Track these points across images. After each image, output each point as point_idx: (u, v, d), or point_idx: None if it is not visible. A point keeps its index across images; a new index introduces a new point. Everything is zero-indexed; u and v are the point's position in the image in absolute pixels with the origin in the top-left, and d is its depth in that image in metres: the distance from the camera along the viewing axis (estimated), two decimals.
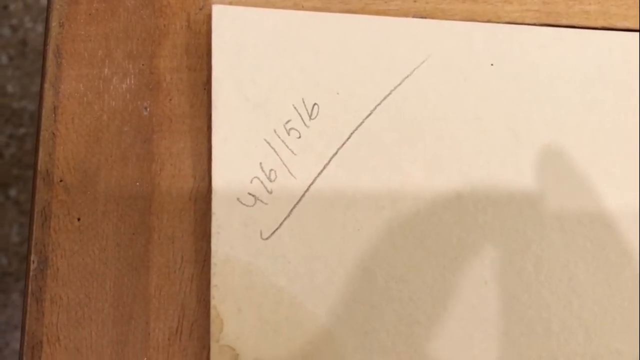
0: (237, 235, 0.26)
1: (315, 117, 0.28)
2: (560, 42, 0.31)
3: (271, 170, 0.27)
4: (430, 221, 0.28)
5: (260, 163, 0.27)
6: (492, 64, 0.29)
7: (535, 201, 0.29)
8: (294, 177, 0.27)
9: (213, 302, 0.25)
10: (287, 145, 0.27)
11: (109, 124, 0.27)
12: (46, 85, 0.27)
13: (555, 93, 0.30)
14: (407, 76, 0.29)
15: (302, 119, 0.27)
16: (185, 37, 0.28)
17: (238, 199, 0.26)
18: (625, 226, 0.29)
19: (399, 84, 0.29)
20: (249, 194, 0.26)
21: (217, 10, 0.27)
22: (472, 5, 0.31)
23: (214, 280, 0.25)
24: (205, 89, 0.28)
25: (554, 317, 0.28)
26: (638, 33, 0.32)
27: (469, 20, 0.30)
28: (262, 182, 0.27)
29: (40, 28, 1.28)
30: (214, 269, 0.25)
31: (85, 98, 0.27)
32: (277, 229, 0.26)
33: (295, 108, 0.27)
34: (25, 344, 0.24)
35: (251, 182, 0.26)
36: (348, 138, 0.28)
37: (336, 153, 0.27)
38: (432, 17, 0.30)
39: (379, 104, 0.28)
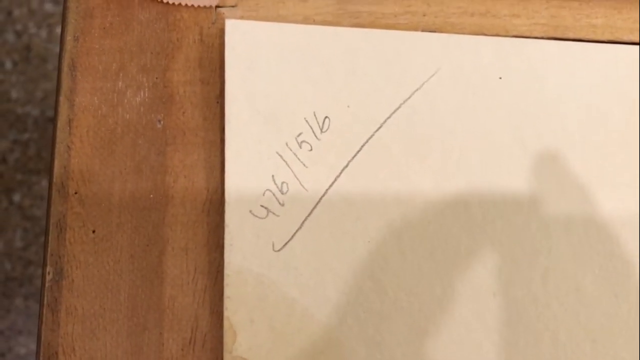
0: (250, 247, 0.26)
1: (327, 130, 0.28)
2: (568, 55, 0.31)
3: (283, 182, 0.27)
4: (439, 232, 0.28)
5: (273, 175, 0.27)
6: (500, 77, 0.30)
7: (543, 212, 0.29)
8: (306, 189, 0.27)
9: (226, 313, 0.25)
10: (298, 158, 0.27)
11: (123, 137, 0.27)
12: (61, 98, 0.27)
13: (562, 105, 0.30)
14: (417, 89, 0.29)
15: (313, 131, 0.28)
16: (198, 50, 0.29)
17: (250, 211, 0.26)
18: (630, 236, 0.29)
19: (409, 97, 0.29)
20: (261, 206, 0.27)
21: (230, 25, 0.28)
22: (481, 19, 0.31)
23: (227, 292, 0.25)
24: (218, 102, 0.28)
25: (561, 328, 0.28)
26: None
27: (478, 34, 0.31)
28: (274, 194, 0.27)
29: (44, 33, 1.29)
30: (227, 281, 0.26)
31: (99, 111, 0.27)
32: (289, 241, 0.27)
33: (306, 121, 0.28)
34: (42, 354, 0.25)
35: (263, 194, 0.27)
36: (359, 150, 0.28)
37: (347, 165, 0.28)
38: (441, 31, 0.30)
39: (389, 117, 0.29)
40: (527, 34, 0.32)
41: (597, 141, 0.30)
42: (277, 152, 0.27)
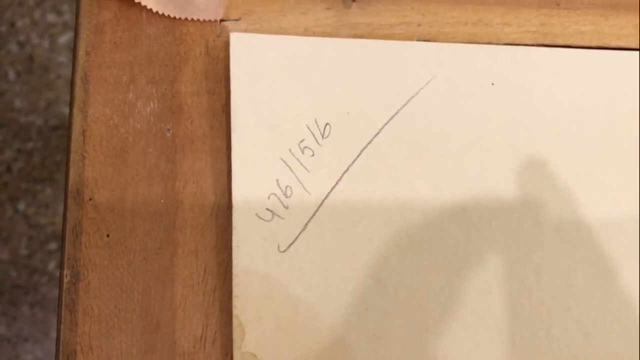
0: (256, 248, 0.27)
1: (327, 136, 0.29)
2: (558, 61, 0.32)
3: (287, 186, 0.28)
4: (437, 233, 0.29)
5: (277, 180, 0.28)
6: (493, 83, 0.31)
7: (536, 212, 0.30)
8: (309, 193, 0.29)
9: (235, 311, 0.27)
10: (301, 163, 0.29)
11: (135, 145, 0.29)
12: (75, 110, 0.29)
13: (553, 109, 0.32)
14: (413, 96, 0.30)
15: (315, 138, 0.29)
16: (204, 62, 0.30)
17: (257, 214, 0.28)
18: (620, 235, 0.31)
19: (406, 104, 0.30)
20: (267, 209, 0.28)
21: (234, 38, 0.29)
22: (474, 28, 0.33)
23: (236, 291, 0.27)
24: (224, 111, 0.30)
25: (554, 322, 0.29)
26: (632, 52, 0.34)
27: (471, 42, 0.32)
28: (278, 198, 0.28)
29: (46, 44, 1.31)
30: (235, 281, 0.27)
31: (111, 121, 0.29)
32: (293, 242, 0.28)
33: (308, 128, 0.29)
34: (61, 353, 0.26)
35: (269, 198, 0.28)
36: (358, 155, 0.30)
37: (347, 170, 0.29)
38: (436, 40, 0.32)
39: (386, 123, 0.30)
40: (518, 41, 0.33)
41: (587, 144, 0.32)
42: (281, 158, 0.29)
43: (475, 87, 0.31)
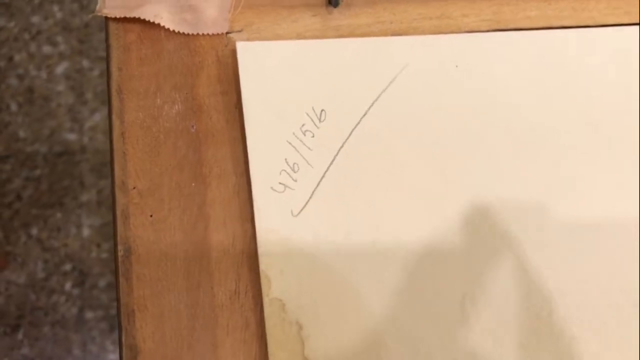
0: (274, 215, 0.34)
1: (324, 120, 0.36)
2: (511, 43, 0.39)
3: (294, 163, 0.35)
4: (420, 190, 0.35)
5: (285, 159, 0.35)
6: (457, 66, 0.38)
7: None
8: (312, 167, 0.35)
9: (261, 267, 0.33)
10: (304, 144, 0.35)
11: (166, 142, 0.35)
12: (113, 117, 0.35)
13: (510, 85, 0.38)
14: (392, 81, 0.37)
15: (313, 122, 0.35)
16: (217, 69, 0.36)
17: (271, 187, 0.34)
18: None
19: (386, 88, 0.37)
20: (280, 183, 0.34)
21: (240, 46, 0.36)
22: (438, 21, 0.39)
23: (260, 251, 0.33)
24: (236, 107, 0.36)
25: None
26: (572, 29, 0.40)
27: (436, 33, 0.39)
28: (288, 173, 0.34)
29: (44, 75, 1.37)
30: (259, 242, 0.33)
31: (144, 123, 0.35)
32: (303, 208, 0.34)
33: (307, 114, 0.35)
34: (122, 313, 0.32)
35: (280, 174, 0.34)
36: (350, 134, 0.36)
37: (342, 146, 0.35)
38: (406, 34, 0.38)
39: (371, 105, 0.36)
40: (476, 29, 0.39)
41: (543, 117, 0.38)
42: (287, 141, 0.35)
43: (442, 70, 0.38)
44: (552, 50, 0.39)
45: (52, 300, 1.24)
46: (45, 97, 1.37)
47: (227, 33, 0.37)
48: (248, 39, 0.37)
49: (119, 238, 0.33)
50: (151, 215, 0.34)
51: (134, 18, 0.36)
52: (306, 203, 0.34)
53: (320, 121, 0.36)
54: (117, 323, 0.33)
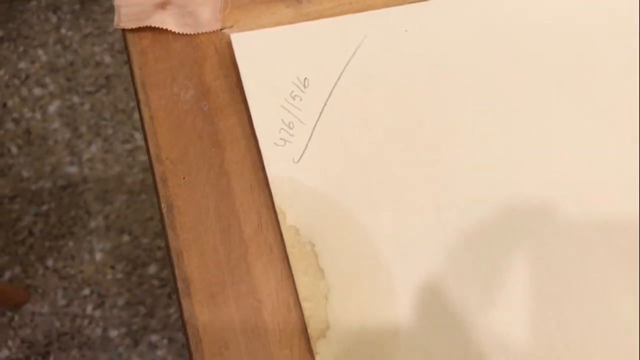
0: (280, 163, 0.43)
1: (308, 86, 0.45)
2: (449, 6, 0.48)
3: (290, 122, 0.44)
4: (397, 137, 0.45)
5: (282, 119, 0.44)
6: (406, 30, 0.47)
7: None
8: (304, 124, 0.44)
9: (276, 203, 0.42)
10: (295, 106, 0.44)
11: (186, 120, 0.44)
12: (142, 106, 0.44)
13: (453, 45, 0.47)
14: (357, 48, 0.46)
15: (300, 89, 0.45)
16: (217, 58, 0.46)
17: (274, 143, 0.43)
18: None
19: (352, 56, 0.46)
20: (280, 138, 0.43)
21: (234, 37, 0.45)
22: None
23: (273, 191, 0.42)
24: (237, 86, 0.45)
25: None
26: None
27: (388, 6, 0.48)
28: (286, 130, 0.44)
29: (38, 115, 1.45)
30: (272, 186, 0.42)
31: (167, 108, 0.44)
32: (302, 155, 0.43)
33: (294, 83, 0.45)
34: (172, 254, 0.41)
35: (279, 132, 0.43)
36: (330, 94, 0.45)
37: (325, 104, 0.45)
38: (364, 11, 0.48)
39: (343, 70, 0.46)
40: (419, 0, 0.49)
41: (487, 70, 0.47)
42: (282, 105, 0.44)
43: (394, 35, 0.47)
44: (486, 13, 0.49)
45: (76, 325, 1.31)
46: (42, 136, 1.45)
47: (221, 29, 0.46)
48: (239, 32, 0.46)
49: (161, 197, 0.42)
50: (184, 178, 0.43)
51: (146, 27, 0.45)
52: (303, 151, 0.43)
53: (305, 87, 0.45)
54: (168, 264, 0.41)
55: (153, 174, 0.43)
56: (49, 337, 1.29)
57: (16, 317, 1.29)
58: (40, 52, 1.52)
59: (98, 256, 1.34)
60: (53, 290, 1.32)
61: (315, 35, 0.46)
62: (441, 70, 0.46)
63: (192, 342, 0.39)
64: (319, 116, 0.44)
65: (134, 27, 0.45)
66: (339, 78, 0.45)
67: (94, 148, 1.43)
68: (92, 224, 1.37)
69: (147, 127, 0.43)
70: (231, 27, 0.47)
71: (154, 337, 1.27)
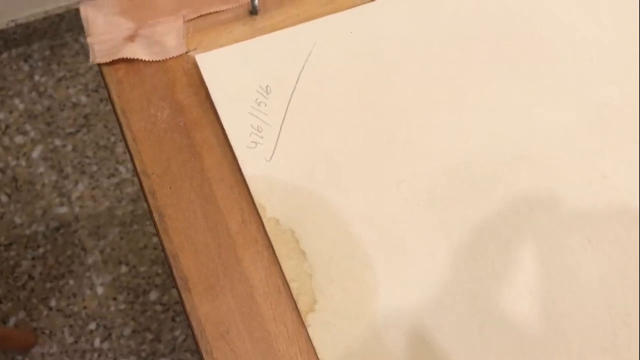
0: (254, 163, 0.48)
1: (270, 92, 0.50)
2: (382, 7, 0.54)
3: (258, 126, 0.49)
4: (359, 127, 0.50)
5: (251, 124, 0.49)
6: (351, 32, 0.53)
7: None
8: (270, 126, 0.49)
9: (255, 199, 0.47)
10: (261, 111, 0.50)
11: (165, 137, 0.49)
12: (124, 129, 0.49)
13: (393, 41, 0.53)
14: (309, 55, 0.52)
15: (263, 95, 0.50)
16: (186, 78, 0.51)
17: (247, 146, 0.48)
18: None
19: (306, 60, 0.51)
20: (252, 142, 0.48)
21: (199, 58, 0.50)
22: (331, 4, 0.54)
23: (252, 189, 0.47)
24: (207, 100, 0.50)
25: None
26: None
27: (332, 13, 0.54)
28: (255, 134, 0.49)
29: (23, 162, 1.49)
30: (249, 184, 0.47)
31: (147, 128, 0.49)
32: (273, 154, 0.48)
33: (257, 91, 0.50)
34: (169, 256, 0.46)
35: (250, 135, 0.49)
36: (290, 97, 0.50)
37: (288, 106, 0.50)
38: (312, 20, 0.53)
39: (299, 74, 0.51)
40: (360, 4, 0.55)
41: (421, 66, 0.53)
42: (249, 112, 0.49)
43: (341, 38, 0.52)
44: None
45: (86, 359, 1.34)
46: (29, 182, 1.49)
47: (186, 52, 0.52)
48: (202, 52, 0.51)
49: (152, 208, 0.47)
50: (170, 188, 0.47)
51: (119, 59, 0.50)
52: (274, 150, 0.48)
53: (267, 94, 0.50)
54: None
55: (142, 188, 0.48)
56: None
57: None
58: (16, 101, 1.56)
59: (99, 290, 1.38)
60: (59, 329, 1.35)
61: (270, 46, 0.52)
62: (387, 63, 0.52)
63: (197, 332, 0.44)
64: (284, 117, 0.50)
65: (108, 60, 0.50)
66: (296, 82, 0.51)
67: (81, 186, 1.47)
68: (90, 260, 1.41)
69: (131, 147, 0.48)
70: (195, 49, 0.52)
71: None
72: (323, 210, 0.47)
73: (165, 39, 0.51)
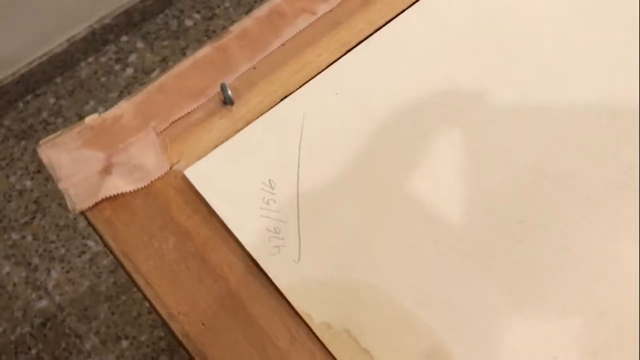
0: (283, 269, 0.44)
1: (275, 186, 0.46)
2: (360, 54, 0.50)
3: (275, 227, 0.45)
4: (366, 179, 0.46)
5: (267, 228, 0.45)
6: (336, 94, 0.49)
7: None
8: (286, 222, 0.45)
9: (298, 309, 0.43)
10: (272, 210, 0.45)
11: (179, 269, 0.44)
12: (133, 275, 0.44)
13: (376, 87, 0.49)
14: (302, 131, 0.47)
15: (269, 192, 0.46)
16: (179, 197, 0.46)
17: (269, 254, 0.44)
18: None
19: (301, 138, 0.47)
20: (273, 246, 0.44)
21: (188, 173, 0.46)
22: (304, 71, 0.50)
23: (289, 298, 0.43)
24: (210, 214, 0.46)
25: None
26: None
27: (308, 79, 0.49)
28: (274, 237, 0.45)
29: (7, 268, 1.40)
30: (285, 293, 0.43)
31: (157, 265, 0.44)
32: (299, 253, 0.44)
33: (262, 189, 0.46)
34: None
35: (269, 240, 0.45)
36: (297, 184, 0.46)
37: (298, 196, 0.46)
38: (289, 92, 0.49)
39: (299, 156, 0.47)
40: (333, 59, 0.51)
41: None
42: (260, 215, 0.45)
43: (328, 102, 0.49)
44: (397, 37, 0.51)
45: None
46: (0, 286, 1.40)
47: (170, 168, 0.47)
48: (187, 164, 0.47)
49: (192, 352, 0.42)
50: (203, 324, 0.43)
51: (101, 199, 0.45)
52: (299, 249, 0.44)
53: (272, 188, 0.46)
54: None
55: (173, 333, 0.43)
56: None
57: None
58: None
59: None
60: None
61: (259, 135, 0.47)
62: (382, 112, 0.48)
63: None
64: (297, 209, 0.46)
65: (90, 205, 0.45)
66: (298, 166, 0.47)
67: (54, 274, 1.40)
68: (87, 345, 1.35)
69: (146, 291, 0.44)
70: (178, 161, 0.47)
71: None
72: (371, 298, 0.43)
73: (143, 161, 0.46)
